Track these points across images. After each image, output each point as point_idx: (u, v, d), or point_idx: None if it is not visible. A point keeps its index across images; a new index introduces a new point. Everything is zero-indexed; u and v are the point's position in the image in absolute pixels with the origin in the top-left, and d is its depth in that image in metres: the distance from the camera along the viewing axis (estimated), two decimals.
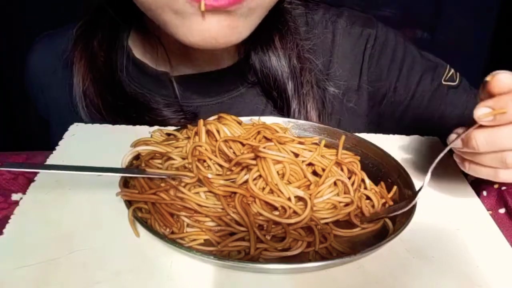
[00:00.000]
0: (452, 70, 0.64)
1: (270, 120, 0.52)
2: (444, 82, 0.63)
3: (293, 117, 0.58)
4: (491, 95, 0.37)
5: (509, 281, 0.37)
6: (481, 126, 0.38)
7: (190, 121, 0.57)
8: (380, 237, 0.40)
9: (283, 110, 0.60)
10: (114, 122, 0.57)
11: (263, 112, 0.61)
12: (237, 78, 0.61)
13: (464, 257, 0.39)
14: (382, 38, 0.62)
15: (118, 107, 0.58)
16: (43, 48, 0.66)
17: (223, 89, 0.61)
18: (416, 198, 0.40)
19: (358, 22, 0.63)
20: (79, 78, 0.59)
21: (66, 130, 0.54)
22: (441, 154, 0.40)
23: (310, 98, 0.59)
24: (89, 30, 0.60)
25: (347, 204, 0.43)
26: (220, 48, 0.47)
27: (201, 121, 0.47)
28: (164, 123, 0.57)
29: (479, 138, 0.38)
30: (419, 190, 0.41)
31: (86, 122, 0.57)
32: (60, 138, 0.52)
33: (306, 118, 0.59)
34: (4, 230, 0.38)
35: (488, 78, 0.37)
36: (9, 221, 0.39)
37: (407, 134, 0.57)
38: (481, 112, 0.36)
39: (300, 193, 0.41)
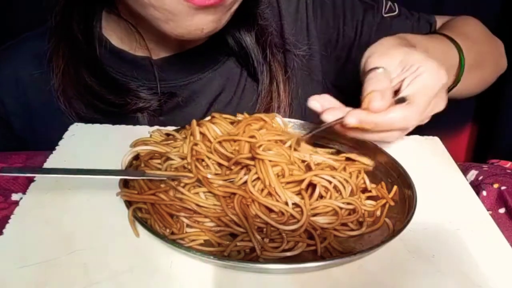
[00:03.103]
0: (389, 2, 0.67)
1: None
2: (385, 15, 0.66)
3: (262, 82, 0.62)
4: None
5: (509, 281, 0.37)
6: None
7: (168, 100, 0.60)
8: (380, 237, 0.40)
9: (255, 76, 0.63)
10: (93, 109, 0.58)
11: (239, 81, 0.64)
12: (214, 52, 0.63)
13: (464, 257, 0.39)
14: None
15: (97, 93, 0.59)
16: (8, 60, 0.63)
17: (202, 65, 0.62)
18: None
19: None
20: (59, 69, 0.59)
21: (54, 130, 0.53)
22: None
23: (275, 63, 0.62)
24: (64, 21, 0.59)
25: (350, 211, 0.43)
26: (203, 38, 0.53)
27: (194, 122, 0.47)
28: (144, 108, 0.59)
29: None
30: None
31: (68, 115, 0.59)
32: (52, 138, 0.51)
33: (274, 80, 0.62)
34: (4, 230, 0.38)
35: (365, 94, 0.42)
36: (9, 221, 0.39)
37: None
38: (351, 121, 0.42)
39: (296, 199, 0.41)
